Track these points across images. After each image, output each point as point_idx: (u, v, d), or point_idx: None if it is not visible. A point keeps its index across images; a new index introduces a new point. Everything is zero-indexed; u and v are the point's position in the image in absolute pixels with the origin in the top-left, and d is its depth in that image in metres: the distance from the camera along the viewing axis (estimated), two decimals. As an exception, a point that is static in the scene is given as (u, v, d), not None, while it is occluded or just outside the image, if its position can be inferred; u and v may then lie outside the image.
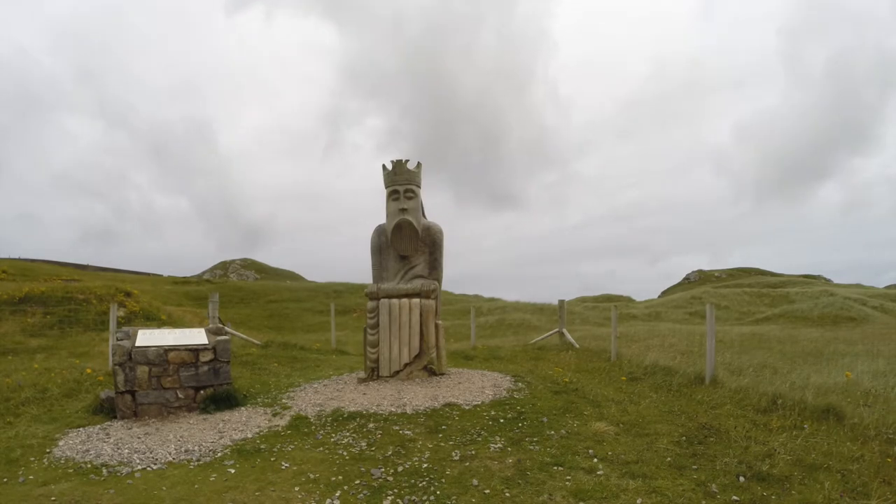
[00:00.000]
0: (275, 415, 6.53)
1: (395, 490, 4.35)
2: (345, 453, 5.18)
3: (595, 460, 4.84)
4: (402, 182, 8.40)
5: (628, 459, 4.84)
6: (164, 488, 4.51)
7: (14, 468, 4.99)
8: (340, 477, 4.63)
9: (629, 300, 40.69)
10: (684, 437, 5.42)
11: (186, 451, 5.39)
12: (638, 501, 4.03)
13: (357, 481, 4.53)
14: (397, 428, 5.81)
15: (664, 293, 50.71)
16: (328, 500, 4.21)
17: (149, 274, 46.22)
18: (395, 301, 8.15)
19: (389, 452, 5.14)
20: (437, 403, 6.68)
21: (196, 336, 7.24)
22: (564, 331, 13.51)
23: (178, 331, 7.44)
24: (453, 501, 4.14)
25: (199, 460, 5.15)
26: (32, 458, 5.23)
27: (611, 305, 21.18)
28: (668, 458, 4.85)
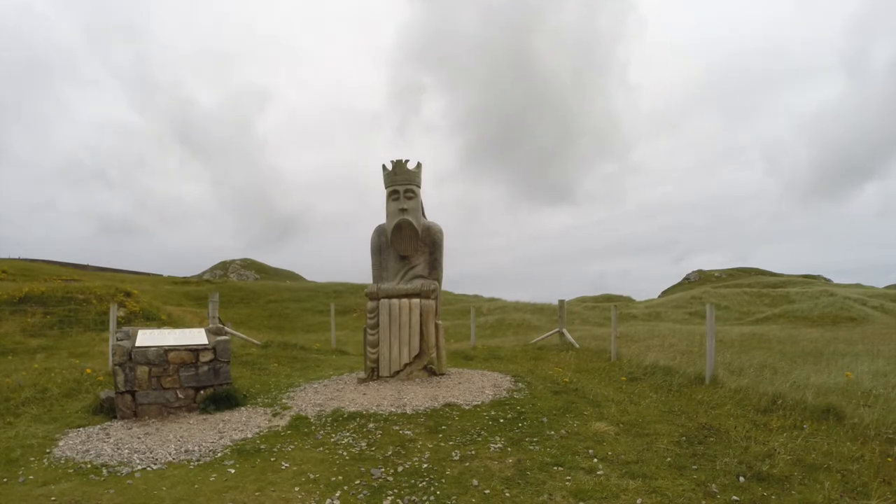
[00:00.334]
0: (275, 415, 6.53)
1: (395, 490, 4.35)
2: (345, 453, 5.18)
3: (595, 460, 4.84)
4: (401, 182, 8.40)
5: (628, 459, 4.84)
6: (164, 488, 4.51)
7: (14, 468, 5.00)
8: (340, 477, 4.63)
9: (629, 300, 40.75)
10: (684, 437, 5.42)
11: (186, 451, 5.39)
12: (638, 501, 4.03)
13: (357, 481, 4.53)
14: (397, 428, 5.81)
15: (664, 293, 50.73)
16: (328, 500, 4.21)
17: (149, 274, 46.37)
18: (395, 301, 8.15)
19: (389, 452, 5.14)
20: (437, 403, 6.68)
21: (196, 336, 7.24)
22: (564, 331, 13.52)
23: (178, 331, 7.44)
24: (453, 501, 4.14)
25: (199, 460, 5.16)
26: (32, 458, 5.24)
27: (611, 305, 21.19)
28: (668, 459, 4.85)
